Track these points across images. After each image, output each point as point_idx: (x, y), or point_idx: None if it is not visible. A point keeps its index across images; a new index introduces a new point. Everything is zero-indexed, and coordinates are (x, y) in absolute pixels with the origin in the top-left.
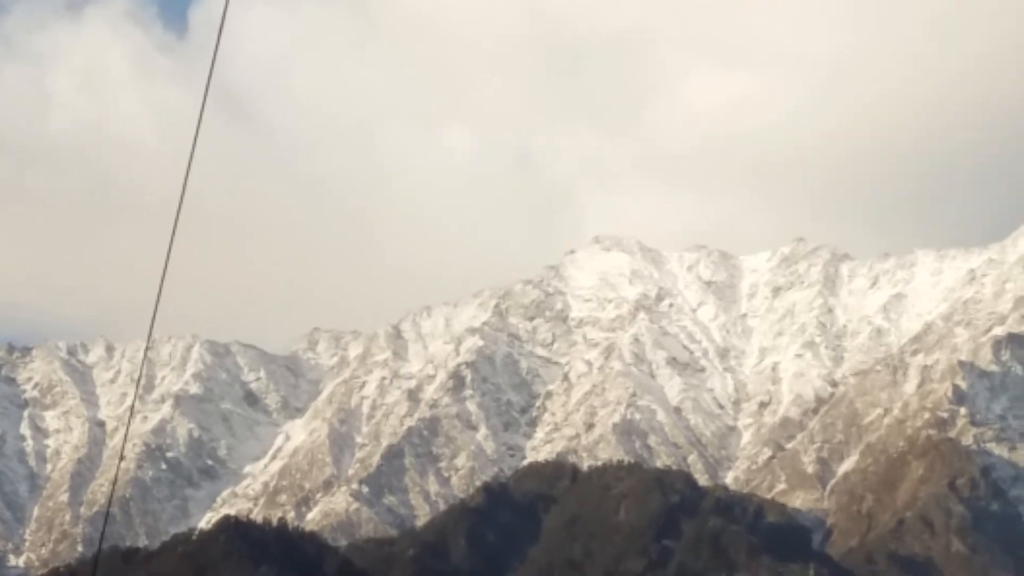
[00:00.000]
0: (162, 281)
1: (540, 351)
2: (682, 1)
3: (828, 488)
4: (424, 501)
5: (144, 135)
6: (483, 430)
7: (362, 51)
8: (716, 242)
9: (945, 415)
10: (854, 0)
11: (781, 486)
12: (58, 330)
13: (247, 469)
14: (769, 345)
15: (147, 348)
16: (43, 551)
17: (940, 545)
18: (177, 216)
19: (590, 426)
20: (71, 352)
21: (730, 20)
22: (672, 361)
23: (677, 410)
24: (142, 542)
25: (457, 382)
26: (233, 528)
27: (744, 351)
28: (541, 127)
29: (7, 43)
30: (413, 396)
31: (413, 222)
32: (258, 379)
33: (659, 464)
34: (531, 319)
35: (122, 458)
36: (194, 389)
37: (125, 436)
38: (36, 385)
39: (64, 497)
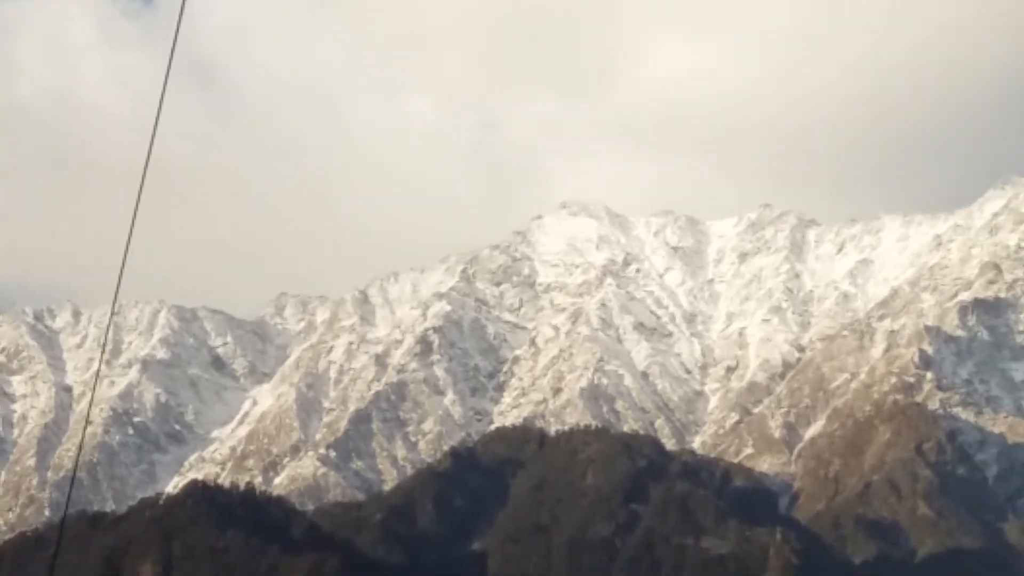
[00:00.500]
0: (127, 246)
1: (507, 316)
2: None
3: (795, 452)
4: (391, 466)
5: (110, 101)
6: (450, 395)
7: (326, 18)
8: (683, 208)
9: (911, 380)
10: None
11: (748, 450)
12: (24, 295)
13: (214, 434)
14: (736, 310)
15: (113, 313)
16: (10, 516)
17: (906, 509)
18: (142, 181)
19: (557, 391)
20: (37, 317)
21: None
22: (639, 326)
23: (644, 375)
24: (109, 507)
25: (424, 347)
26: (200, 493)
27: (711, 316)
28: (505, 93)
29: None
30: (380, 361)
31: (380, 188)
32: (225, 344)
33: (626, 429)
34: (498, 284)
35: (88, 423)
36: (161, 354)
37: (91, 401)
38: (3, 350)
39: (31, 462)
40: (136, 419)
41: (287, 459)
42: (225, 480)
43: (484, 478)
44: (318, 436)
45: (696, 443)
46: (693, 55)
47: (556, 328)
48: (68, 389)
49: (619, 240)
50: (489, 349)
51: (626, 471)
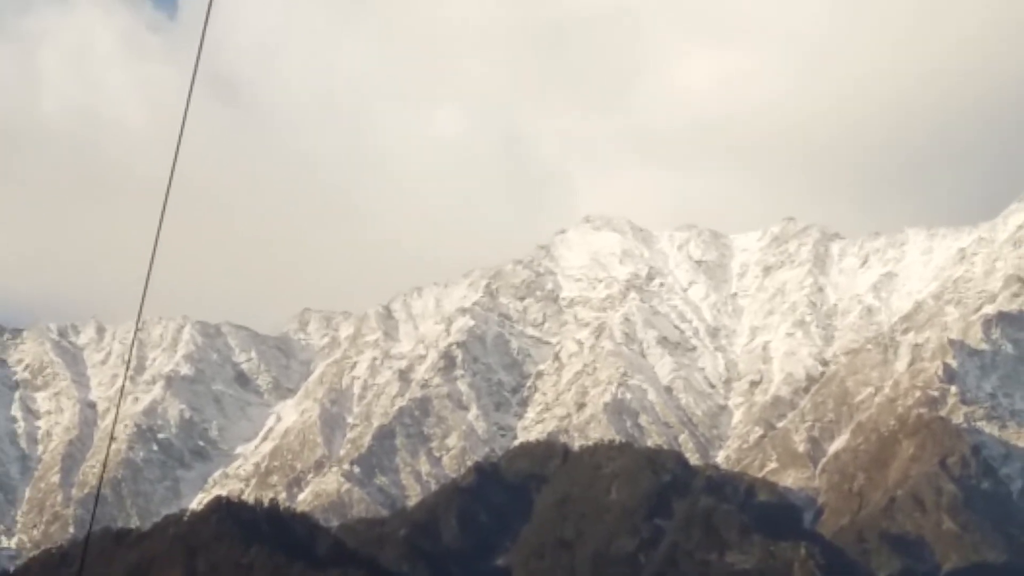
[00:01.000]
0: (152, 262)
1: (531, 331)
2: None
3: (819, 467)
4: (415, 481)
5: (134, 116)
6: (474, 410)
7: (351, 32)
8: (706, 221)
9: (936, 394)
10: None
11: (772, 465)
12: (49, 311)
13: (238, 450)
14: (760, 324)
15: (137, 329)
16: (35, 532)
17: (931, 523)
18: (167, 197)
19: (581, 406)
20: (62, 334)
21: None
22: (663, 340)
23: (668, 389)
24: (134, 523)
25: (448, 362)
26: (225, 509)
27: (735, 330)
28: (530, 107)
29: None
30: (404, 376)
31: (403, 202)
32: (249, 360)
33: (650, 443)
34: (522, 299)
35: (113, 439)
36: (185, 370)
37: (116, 417)
38: (27, 367)
39: (55, 479)
40: (160, 435)
41: (311, 475)
42: (249, 496)
43: (508, 493)
44: (342, 452)
45: (720, 458)
46: (716, 68)
47: (580, 343)
48: (92, 405)
49: (642, 254)
50: (513, 364)
51: (650, 486)
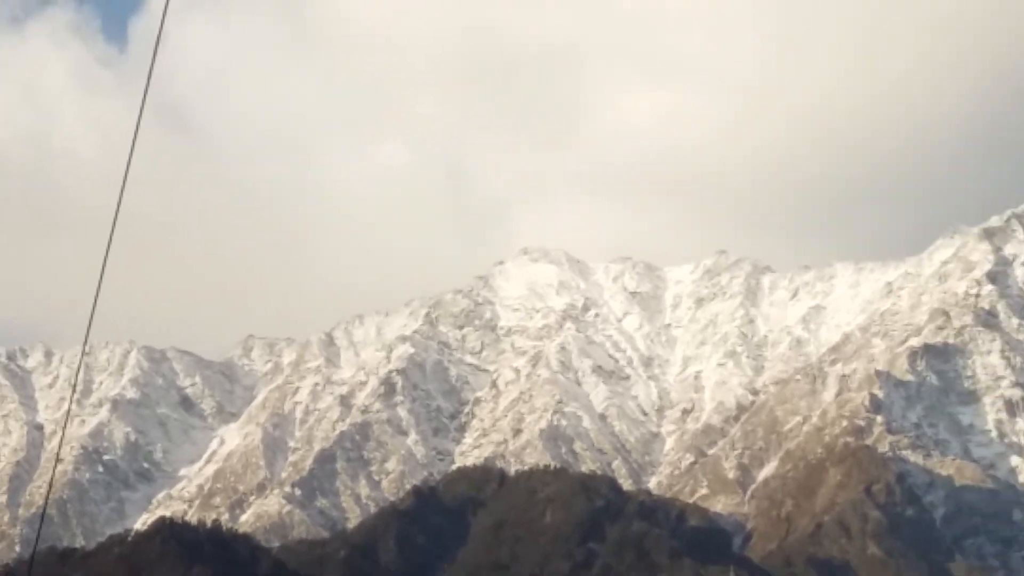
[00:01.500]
0: (99, 288)
1: (469, 359)
2: (612, 19)
3: (748, 493)
4: (355, 504)
5: (84, 147)
6: (413, 435)
7: (297, 65)
8: (641, 254)
9: (862, 423)
10: (777, 23)
11: (703, 491)
12: None
13: (182, 472)
14: (692, 354)
15: (84, 353)
16: None
17: (856, 549)
18: (114, 225)
19: (517, 432)
20: (10, 357)
21: (658, 38)
22: (598, 369)
23: (602, 417)
24: (79, 543)
25: (388, 388)
26: (168, 529)
27: (668, 360)
28: (473, 142)
29: None
30: (345, 402)
31: (347, 233)
32: (194, 384)
33: (584, 469)
34: (461, 327)
35: (59, 460)
36: (131, 394)
37: (62, 439)
38: None
39: (2, 498)
40: (106, 457)
41: (253, 497)
42: (193, 517)
43: (445, 516)
44: (284, 475)
45: (652, 483)
46: (655, 107)
47: (517, 370)
48: (39, 427)
49: (579, 285)
50: (451, 391)
51: (584, 511)
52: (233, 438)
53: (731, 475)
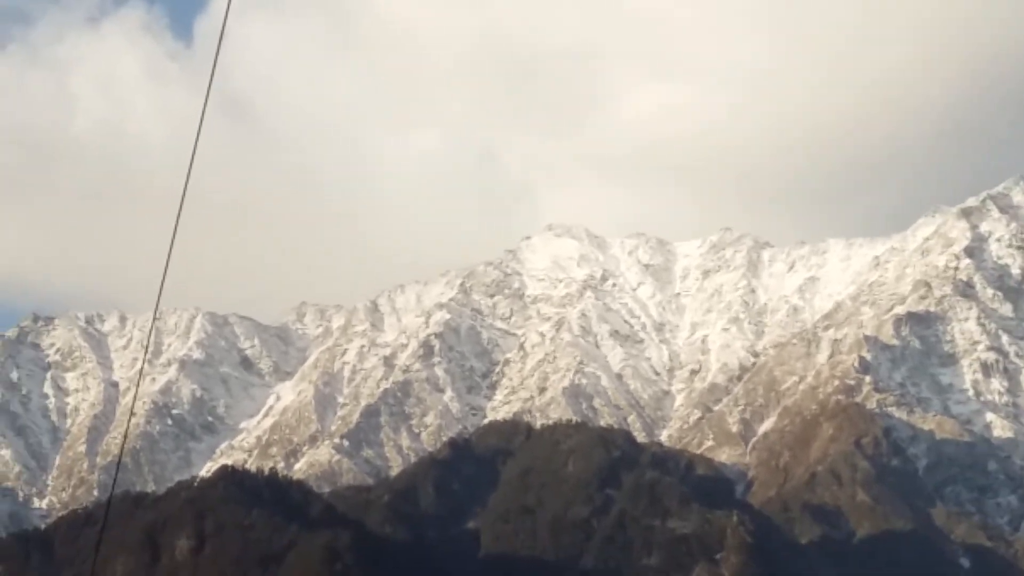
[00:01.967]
0: (168, 259)
1: (499, 324)
2: (621, 20)
3: (750, 445)
4: (397, 454)
5: (155, 133)
6: (449, 392)
7: (344, 62)
8: (654, 230)
9: (852, 383)
10: (773, 22)
11: (709, 443)
12: (77, 302)
13: (243, 425)
14: (699, 320)
15: (155, 318)
16: (63, 495)
17: (847, 496)
18: (182, 203)
19: (543, 389)
20: (89, 321)
21: (664, 37)
22: (615, 334)
23: (619, 376)
24: (150, 488)
25: (427, 350)
26: (230, 476)
27: (678, 325)
28: (500, 130)
29: (34, 52)
30: (388, 362)
31: (389, 211)
32: (253, 346)
33: (603, 423)
34: (492, 296)
35: (133, 414)
36: (197, 355)
37: (135, 395)
38: (58, 350)
39: (82, 448)
40: (174, 411)
41: (306, 447)
42: (252, 465)
43: (478, 465)
44: (333, 427)
45: (664, 436)
46: (664, 96)
47: (542, 335)
48: (115, 385)
49: (597, 258)
50: (483, 353)
51: (602, 460)
52: (288, 394)
53: (734, 429)
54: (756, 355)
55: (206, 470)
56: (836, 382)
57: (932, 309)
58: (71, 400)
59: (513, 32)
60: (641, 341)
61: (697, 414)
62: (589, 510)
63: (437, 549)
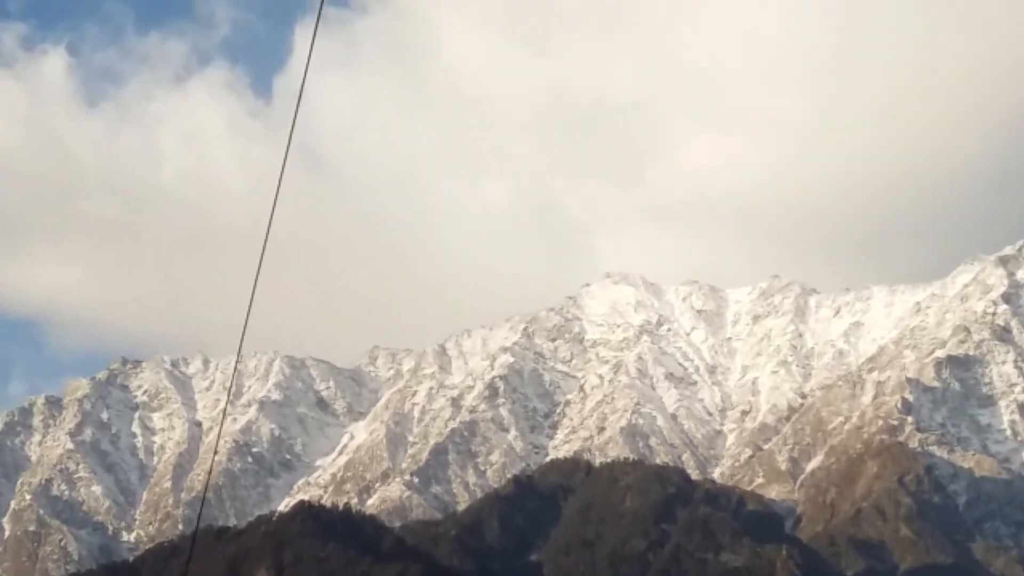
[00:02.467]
0: (250, 305)
1: (560, 367)
2: (678, 76)
3: (798, 482)
4: (464, 490)
5: (237, 185)
6: (513, 432)
7: (416, 116)
8: (706, 278)
9: (895, 423)
10: (821, 77)
11: (759, 480)
12: (164, 346)
13: (318, 462)
14: (750, 363)
15: (237, 361)
16: (150, 529)
17: (891, 530)
18: (263, 251)
19: (601, 429)
20: (174, 364)
21: (718, 91)
22: (669, 376)
23: (673, 416)
24: (231, 522)
25: (492, 392)
26: (307, 511)
27: (729, 368)
28: (562, 181)
29: (126, 109)
30: (455, 403)
31: (457, 259)
32: (328, 388)
33: (658, 461)
34: (553, 340)
35: (215, 452)
36: (275, 396)
37: (219, 434)
38: (145, 392)
39: (168, 484)
40: (254, 450)
41: (378, 484)
42: (327, 501)
43: (541, 501)
44: (404, 465)
45: (716, 474)
46: (717, 148)
47: (601, 377)
48: (198, 424)
49: (653, 304)
50: (545, 394)
51: (658, 497)
52: (361, 434)
53: (783, 467)
54: (804, 396)
55: (284, 505)
56: (880, 422)
57: (971, 353)
58: (157, 439)
59: (576, 86)
60: (694, 383)
61: (748, 452)
62: (646, 544)
63: None
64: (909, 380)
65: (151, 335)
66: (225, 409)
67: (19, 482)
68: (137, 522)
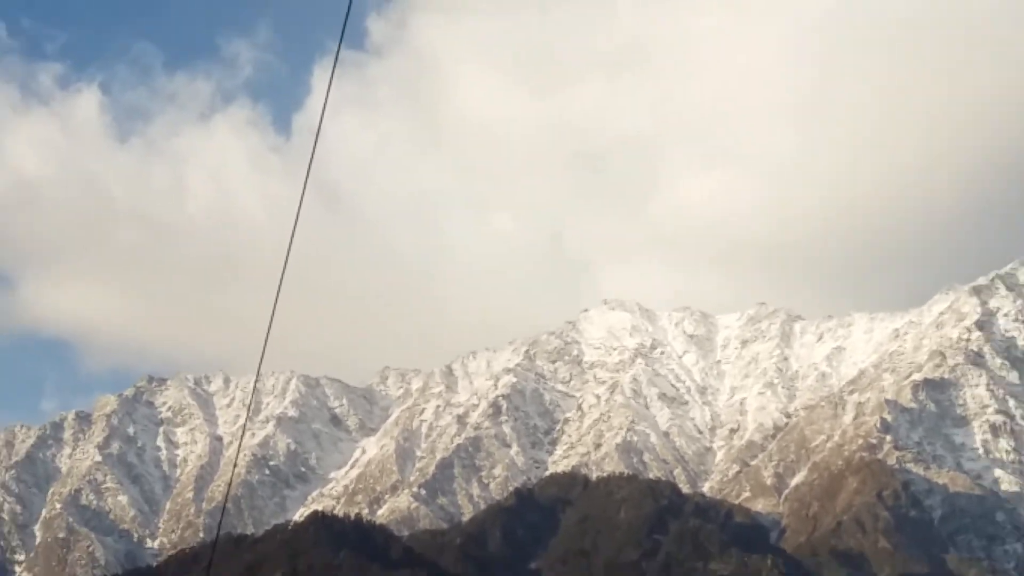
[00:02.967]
0: (269, 328)
1: (560, 387)
2: (674, 114)
3: (783, 496)
4: (468, 502)
5: (258, 217)
6: (515, 447)
7: (428, 153)
8: (698, 304)
9: (874, 441)
10: (802, 119)
11: (746, 494)
12: (187, 365)
13: (332, 475)
14: (738, 385)
15: (256, 380)
16: (173, 536)
17: (870, 542)
18: (282, 278)
19: (598, 445)
20: (197, 383)
21: (710, 130)
22: (662, 396)
23: (666, 434)
24: (249, 530)
25: (495, 410)
26: (320, 521)
27: (718, 389)
28: (565, 213)
29: (153, 145)
30: (461, 420)
31: (465, 286)
32: (341, 405)
33: (651, 476)
34: (553, 362)
35: (235, 465)
36: (292, 412)
37: (238, 448)
38: (170, 408)
39: (190, 495)
40: (271, 463)
41: (388, 495)
42: (339, 511)
43: (540, 513)
44: (412, 478)
45: (706, 488)
46: (709, 184)
47: (598, 397)
48: (219, 439)
49: (647, 329)
50: (545, 412)
51: (651, 509)
52: (372, 448)
53: (769, 482)
54: (788, 416)
55: (299, 515)
56: (860, 440)
57: (946, 376)
58: (180, 452)
59: (580, 124)
60: (686, 403)
61: (735, 468)
62: (639, 553)
63: None
64: (888, 401)
65: (176, 355)
66: (244, 424)
67: (50, 492)
68: (160, 530)
